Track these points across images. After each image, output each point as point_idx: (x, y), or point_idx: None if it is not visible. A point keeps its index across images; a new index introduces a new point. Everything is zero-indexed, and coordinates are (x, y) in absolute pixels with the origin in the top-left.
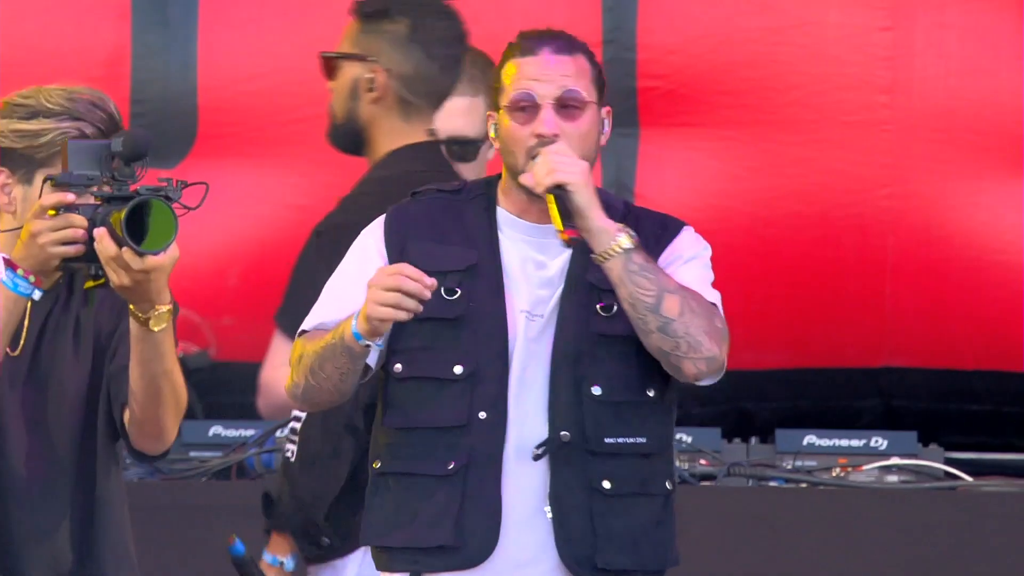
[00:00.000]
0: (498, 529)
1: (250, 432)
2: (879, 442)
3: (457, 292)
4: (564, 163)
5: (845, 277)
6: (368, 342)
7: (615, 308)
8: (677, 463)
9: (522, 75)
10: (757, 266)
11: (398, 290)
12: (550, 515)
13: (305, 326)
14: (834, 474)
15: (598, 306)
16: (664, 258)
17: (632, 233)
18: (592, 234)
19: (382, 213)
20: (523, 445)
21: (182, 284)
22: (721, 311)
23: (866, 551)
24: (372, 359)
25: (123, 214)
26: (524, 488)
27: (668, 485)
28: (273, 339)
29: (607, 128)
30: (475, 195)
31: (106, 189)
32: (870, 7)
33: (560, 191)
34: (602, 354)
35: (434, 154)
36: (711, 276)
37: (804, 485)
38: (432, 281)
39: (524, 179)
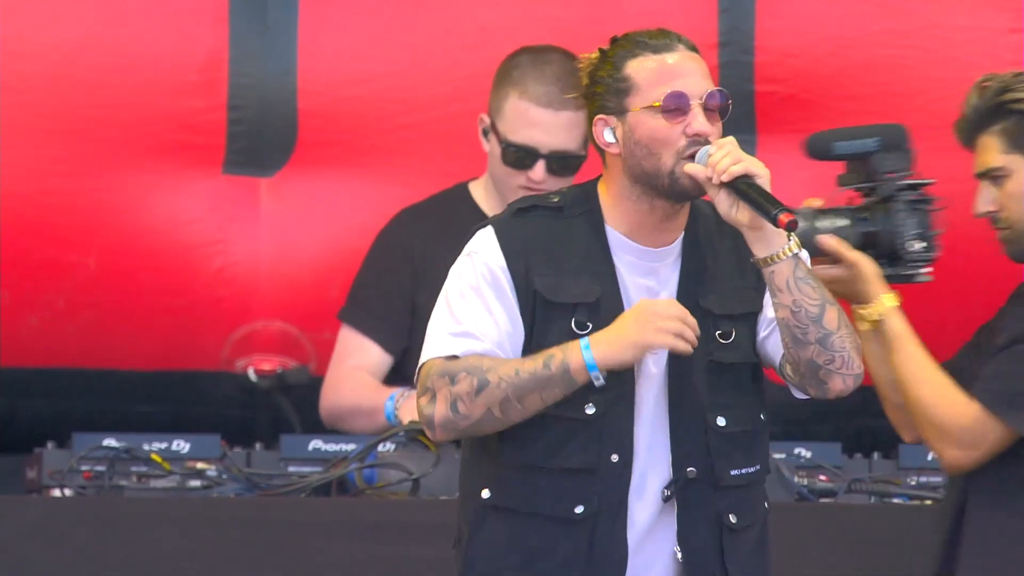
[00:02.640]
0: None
1: (351, 447)
2: None
3: (589, 326)
4: (747, 155)
5: (975, 290)
6: (601, 375)
7: (733, 335)
8: (796, 479)
9: (666, 73)
10: None
11: (682, 321)
12: (680, 556)
13: (454, 351)
14: None
15: (716, 333)
16: None
17: (798, 238)
18: (765, 234)
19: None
20: (644, 484)
21: (282, 297)
22: None
23: None
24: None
25: None
26: (648, 529)
27: (766, 505)
28: (338, 337)
29: None
30: (579, 212)
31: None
32: (998, 8)
33: (745, 182)
34: (721, 383)
35: None
36: None
37: (929, 502)
38: (694, 322)
39: (693, 168)
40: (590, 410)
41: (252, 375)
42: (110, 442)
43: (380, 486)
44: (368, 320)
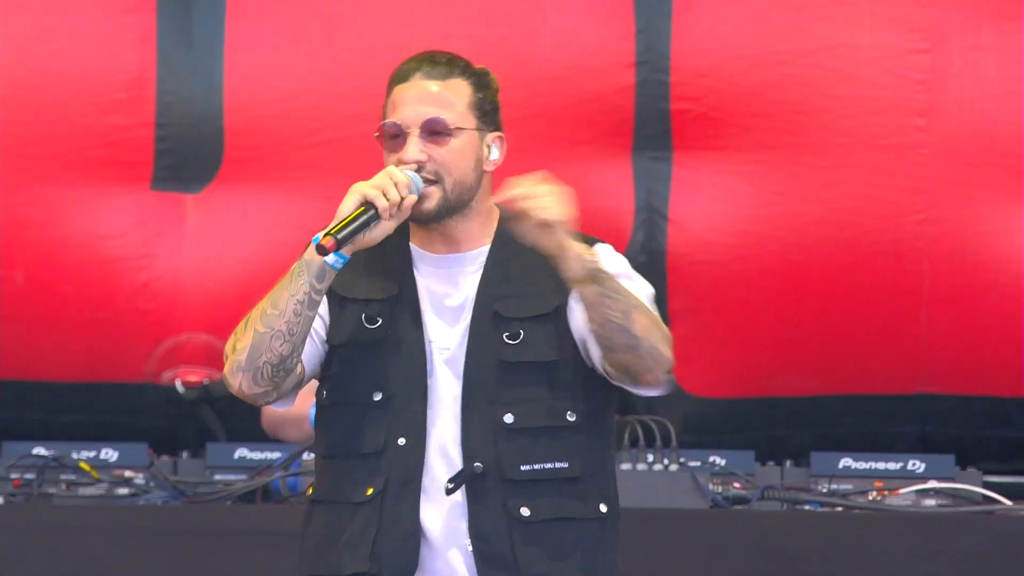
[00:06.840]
0: (416, 555)
1: (276, 455)
2: (916, 465)
3: (378, 321)
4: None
5: (879, 303)
6: (332, 253)
7: (521, 336)
8: (711, 486)
9: (393, 103)
10: (791, 292)
11: (389, 177)
12: (471, 548)
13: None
14: (870, 498)
15: (504, 336)
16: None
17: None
18: (562, 259)
19: None
20: (440, 474)
21: (206, 310)
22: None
23: None
24: (313, 359)
25: None
26: (444, 516)
27: (603, 508)
28: None
29: (496, 154)
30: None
31: None
32: (905, 29)
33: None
34: (511, 381)
35: None
36: (637, 276)
37: (839, 509)
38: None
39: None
40: (377, 396)
41: (179, 387)
42: (39, 450)
43: (304, 493)
44: None
